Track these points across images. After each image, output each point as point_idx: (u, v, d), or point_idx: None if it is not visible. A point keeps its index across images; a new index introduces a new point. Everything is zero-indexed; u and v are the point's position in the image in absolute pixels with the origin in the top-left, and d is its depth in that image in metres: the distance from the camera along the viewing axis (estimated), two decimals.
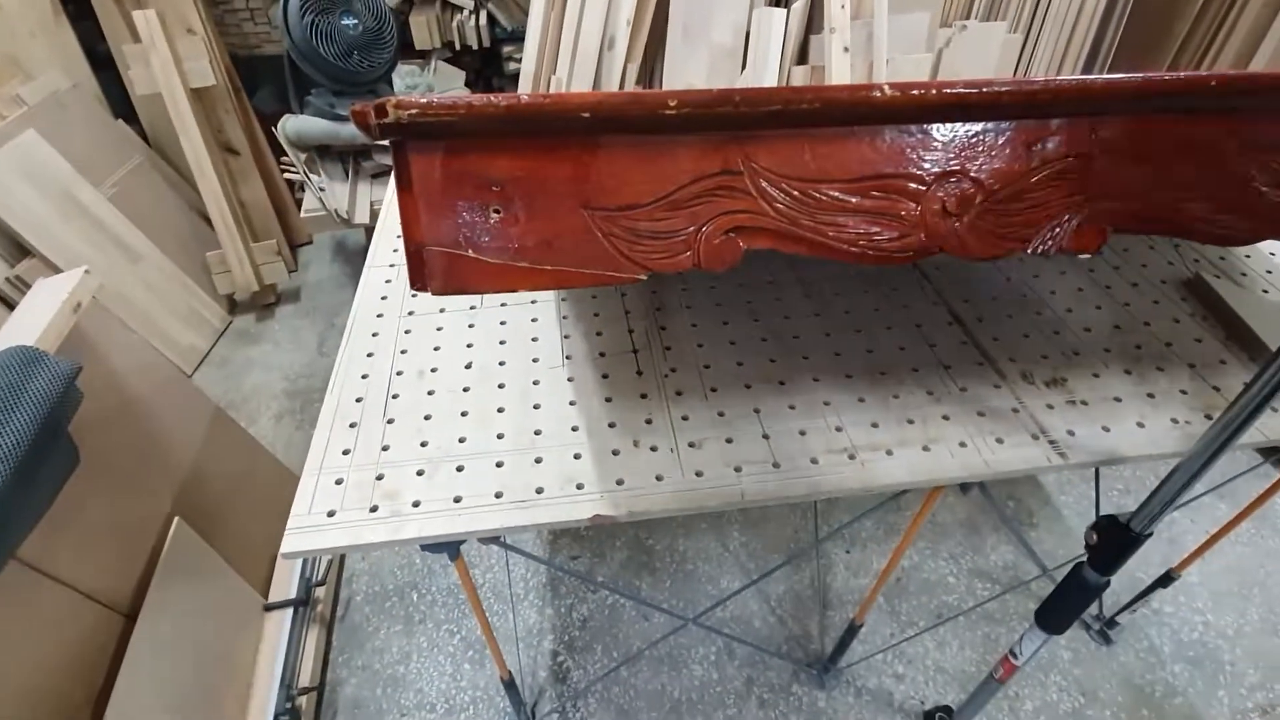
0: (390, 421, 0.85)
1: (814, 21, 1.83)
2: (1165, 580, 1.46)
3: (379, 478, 0.78)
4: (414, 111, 0.46)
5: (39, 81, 2.22)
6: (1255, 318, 0.97)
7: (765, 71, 1.77)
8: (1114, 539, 0.75)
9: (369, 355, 0.95)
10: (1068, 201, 0.59)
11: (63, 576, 1.08)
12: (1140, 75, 0.55)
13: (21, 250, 1.99)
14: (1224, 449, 0.63)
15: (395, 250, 1.17)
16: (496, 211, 0.51)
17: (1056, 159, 0.58)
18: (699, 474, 0.78)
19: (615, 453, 0.80)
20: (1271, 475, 1.27)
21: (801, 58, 1.84)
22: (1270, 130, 0.59)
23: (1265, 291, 1.05)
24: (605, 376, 0.92)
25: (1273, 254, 1.13)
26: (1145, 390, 0.88)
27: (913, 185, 0.56)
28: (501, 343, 0.97)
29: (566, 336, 0.99)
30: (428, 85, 2.71)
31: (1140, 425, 0.83)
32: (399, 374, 0.92)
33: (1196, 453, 0.65)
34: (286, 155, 2.30)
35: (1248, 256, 1.12)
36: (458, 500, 0.75)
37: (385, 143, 0.53)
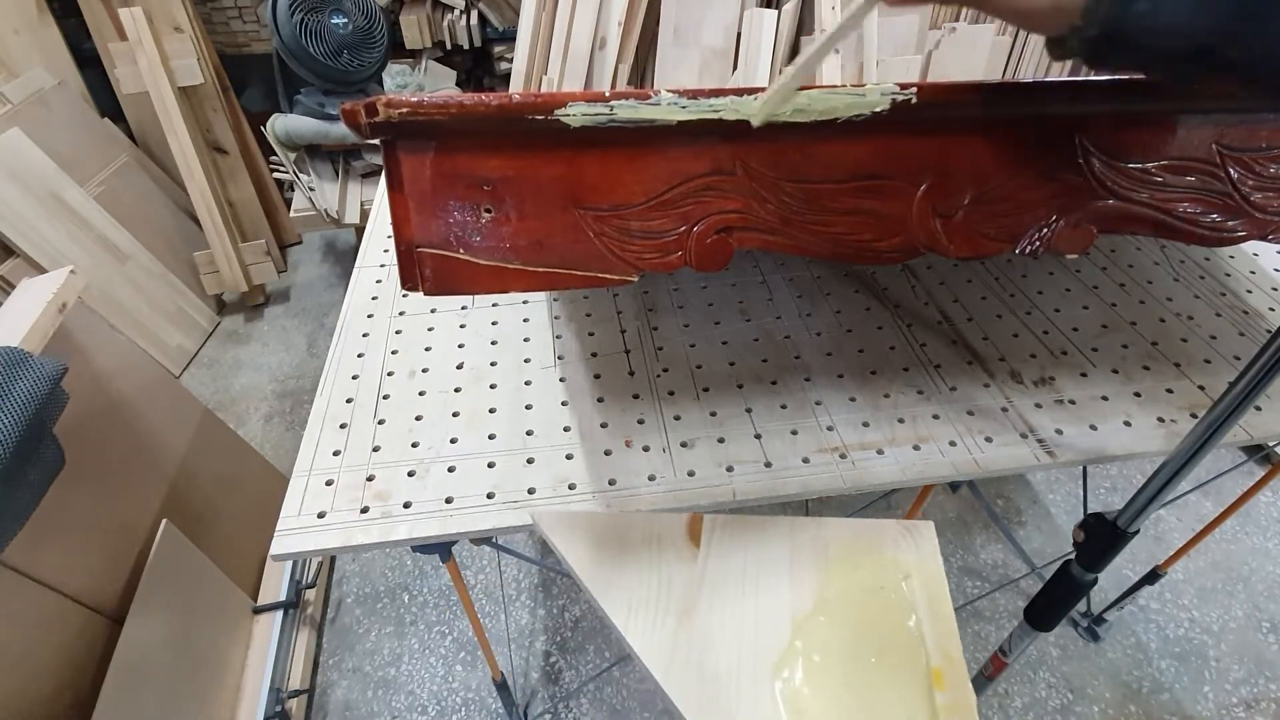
0: (381, 422, 0.85)
1: (804, 23, 1.84)
2: (1152, 577, 1.47)
3: (370, 479, 0.78)
4: (405, 111, 0.46)
5: (23, 79, 2.19)
6: None
7: (756, 72, 1.78)
8: (1101, 536, 0.76)
9: (359, 356, 0.95)
10: (1055, 202, 0.59)
11: (48, 580, 1.07)
12: (1125, 77, 0.56)
13: (6, 250, 1.96)
14: (1208, 447, 0.64)
15: (386, 250, 1.17)
16: (488, 211, 0.51)
17: (1043, 159, 0.59)
18: (691, 474, 0.78)
19: (607, 453, 0.80)
20: (1255, 473, 1.29)
21: (792, 59, 1.85)
22: (1253, 132, 0.60)
23: (1249, 292, 1.06)
24: (597, 377, 0.91)
25: (1255, 254, 1.14)
26: (1132, 389, 0.89)
27: (903, 186, 0.57)
28: (493, 343, 0.97)
29: (558, 337, 0.98)
30: (418, 85, 2.70)
31: (1127, 424, 0.84)
32: (390, 374, 0.92)
33: (1182, 451, 0.66)
34: (275, 155, 2.29)
35: (1231, 257, 1.14)
36: (449, 501, 0.75)
37: (376, 142, 0.53)
